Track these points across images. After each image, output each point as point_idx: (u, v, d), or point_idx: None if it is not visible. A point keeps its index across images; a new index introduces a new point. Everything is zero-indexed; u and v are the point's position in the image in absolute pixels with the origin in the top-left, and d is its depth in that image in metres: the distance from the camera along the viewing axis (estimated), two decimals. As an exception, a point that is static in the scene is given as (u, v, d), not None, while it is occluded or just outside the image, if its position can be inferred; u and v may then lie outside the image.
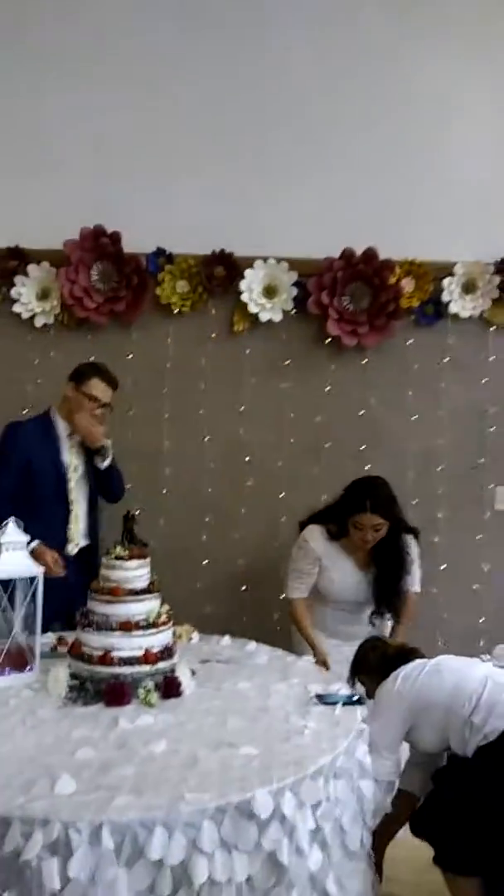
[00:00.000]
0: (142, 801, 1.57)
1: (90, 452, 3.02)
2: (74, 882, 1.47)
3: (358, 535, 2.76)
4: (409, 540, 2.87)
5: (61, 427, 2.99)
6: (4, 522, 2.31)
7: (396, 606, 2.82)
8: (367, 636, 2.65)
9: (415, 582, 2.88)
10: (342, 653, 2.67)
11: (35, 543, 2.59)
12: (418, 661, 2.25)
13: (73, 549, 2.94)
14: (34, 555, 2.57)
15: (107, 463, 3.02)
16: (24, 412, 3.52)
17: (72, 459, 2.98)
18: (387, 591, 2.81)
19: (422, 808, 2.18)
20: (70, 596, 2.58)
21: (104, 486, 3.08)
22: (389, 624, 2.90)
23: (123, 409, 3.43)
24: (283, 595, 3.10)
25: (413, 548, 2.88)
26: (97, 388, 2.94)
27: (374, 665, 2.35)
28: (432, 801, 2.14)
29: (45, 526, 2.76)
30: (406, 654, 2.32)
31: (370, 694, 2.30)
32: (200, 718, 2.01)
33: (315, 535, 2.87)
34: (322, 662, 2.67)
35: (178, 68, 3.56)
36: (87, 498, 3.03)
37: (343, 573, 2.83)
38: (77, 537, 2.96)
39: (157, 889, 1.51)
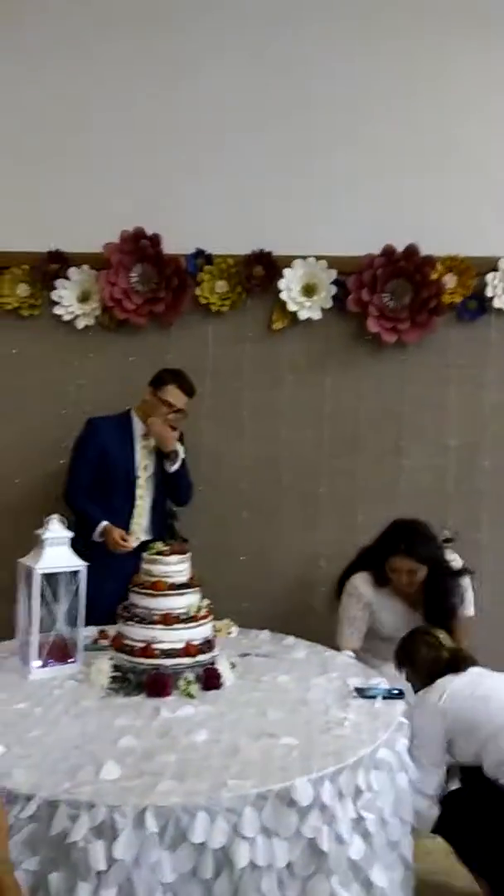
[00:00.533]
0: (184, 787, 1.60)
1: (162, 455, 3.16)
2: (119, 863, 1.51)
3: (395, 578, 2.73)
4: (459, 566, 2.84)
5: (137, 427, 3.17)
6: (47, 519, 2.36)
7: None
8: None
9: (468, 606, 2.83)
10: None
11: (102, 525, 2.93)
12: (468, 678, 2.18)
13: (134, 542, 3.04)
14: (104, 533, 2.91)
15: (175, 467, 3.16)
16: (63, 412, 3.61)
17: (143, 459, 3.14)
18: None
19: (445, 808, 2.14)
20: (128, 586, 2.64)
21: (172, 488, 3.21)
22: None
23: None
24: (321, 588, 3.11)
25: (466, 579, 2.84)
26: (172, 394, 3.11)
27: (423, 662, 2.29)
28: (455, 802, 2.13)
29: (110, 516, 3.01)
30: (458, 663, 2.25)
31: (413, 685, 2.29)
32: (241, 709, 2.03)
33: (363, 581, 2.83)
34: None
35: (217, 68, 3.59)
36: (154, 496, 3.16)
37: (394, 615, 2.78)
38: (139, 531, 3.10)
39: (200, 872, 1.54)
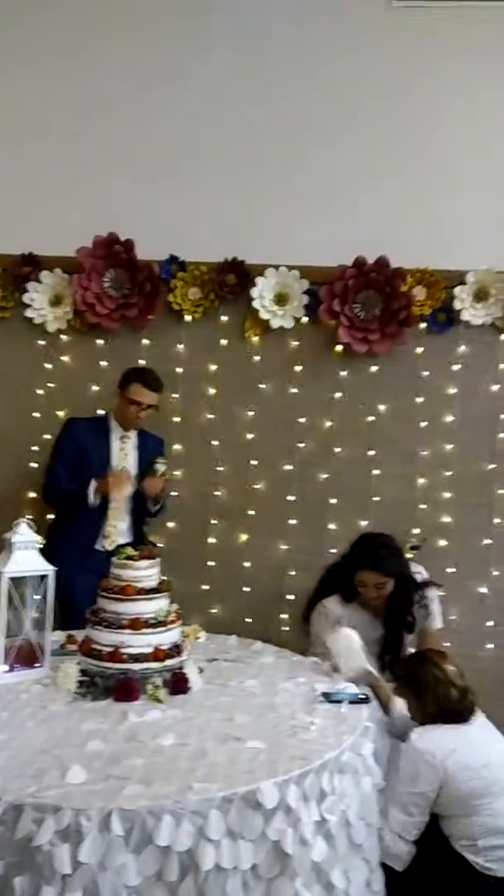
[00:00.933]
0: (150, 791, 1.60)
1: (141, 456, 3.18)
2: (85, 867, 1.51)
3: (363, 592, 2.76)
4: (432, 598, 2.87)
5: (114, 430, 3.19)
6: (16, 523, 2.35)
7: (396, 653, 2.77)
8: None
9: (435, 619, 2.87)
10: None
11: (93, 484, 2.99)
12: (476, 743, 2.12)
13: (109, 545, 3.06)
14: (100, 488, 2.98)
15: (156, 508, 3.21)
16: (34, 415, 3.60)
17: (119, 461, 3.15)
18: (389, 640, 2.78)
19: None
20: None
21: (144, 509, 3.22)
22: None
23: (156, 418, 3.48)
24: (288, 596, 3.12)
25: (431, 591, 2.88)
26: (137, 392, 3.13)
27: (432, 694, 2.20)
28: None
29: (84, 518, 3.03)
30: (464, 710, 2.18)
31: (413, 714, 2.25)
32: (208, 714, 2.04)
33: (332, 602, 2.86)
34: None
35: (191, 79, 3.64)
36: (131, 501, 3.15)
37: (360, 626, 2.75)
38: (114, 534, 3.10)
39: (165, 875, 1.54)
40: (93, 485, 3.00)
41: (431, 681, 2.20)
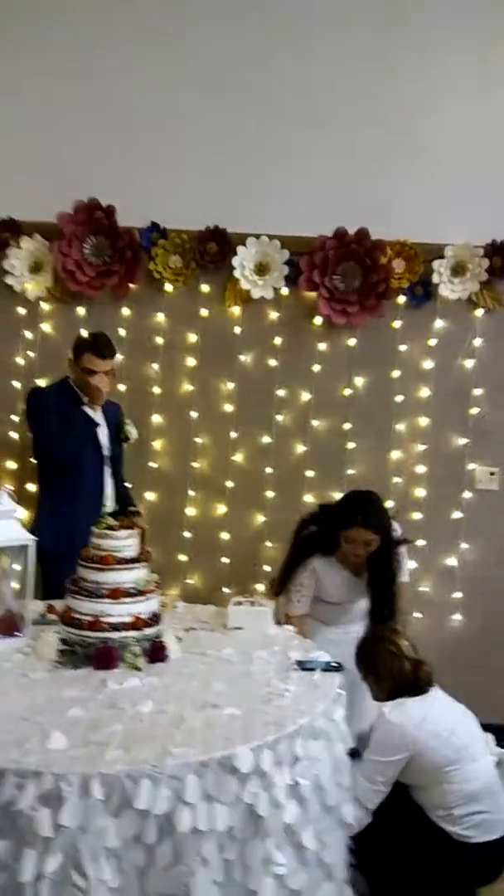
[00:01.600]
0: (130, 756, 1.65)
1: (108, 422, 3.14)
2: (66, 830, 1.56)
3: (349, 549, 2.77)
4: (399, 536, 2.92)
5: (79, 393, 3.09)
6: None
7: (392, 607, 2.83)
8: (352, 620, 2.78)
9: (404, 573, 2.92)
10: (338, 636, 2.79)
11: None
12: (437, 708, 2.20)
13: (111, 506, 3.05)
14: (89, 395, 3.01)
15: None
16: (14, 385, 3.58)
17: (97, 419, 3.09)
18: (380, 598, 2.82)
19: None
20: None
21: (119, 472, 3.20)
22: None
23: (113, 383, 3.48)
24: (266, 567, 3.17)
25: (403, 550, 2.93)
26: (90, 361, 3.02)
27: (387, 672, 2.29)
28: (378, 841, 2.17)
29: (83, 496, 2.99)
30: (420, 681, 2.25)
31: (375, 695, 2.33)
32: (185, 682, 2.09)
33: (312, 551, 2.90)
34: None
35: (176, 47, 3.56)
36: (111, 462, 3.13)
37: (339, 582, 2.86)
38: (108, 500, 3.09)
39: (144, 837, 1.60)
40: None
41: (387, 657, 2.29)
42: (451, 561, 3.63)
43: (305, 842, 1.82)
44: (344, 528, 2.75)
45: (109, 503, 3.10)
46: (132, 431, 3.14)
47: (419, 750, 2.13)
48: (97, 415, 3.12)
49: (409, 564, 3.06)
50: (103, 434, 3.13)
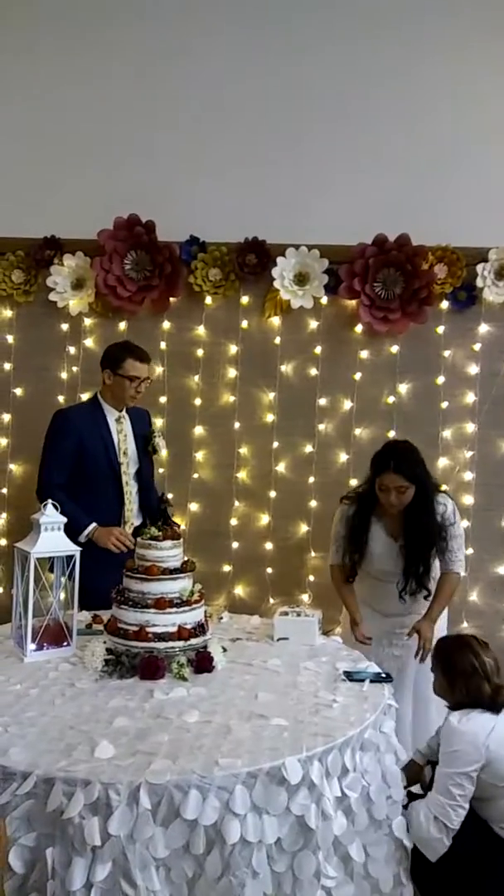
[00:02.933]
0: (177, 766, 1.65)
1: (135, 433, 3.10)
2: (114, 839, 1.55)
3: (384, 498, 2.70)
4: (450, 513, 2.77)
5: (108, 412, 3.05)
6: (44, 504, 2.39)
7: (423, 579, 2.74)
8: (402, 611, 2.73)
9: (455, 562, 2.76)
10: (374, 623, 2.76)
11: (91, 528, 2.81)
12: None
13: (128, 528, 3.00)
14: (96, 540, 2.79)
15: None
16: (59, 399, 3.64)
17: (121, 442, 3.05)
18: (414, 561, 2.73)
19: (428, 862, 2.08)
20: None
21: (146, 493, 3.12)
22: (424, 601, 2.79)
23: (156, 396, 3.51)
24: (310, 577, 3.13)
25: (457, 525, 2.78)
26: (133, 367, 2.99)
27: (464, 680, 2.15)
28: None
29: (102, 507, 2.92)
30: (495, 705, 2.12)
31: (436, 689, 2.25)
32: (232, 692, 2.07)
33: (346, 504, 2.87)
34: (355, 624, 2.71)
35: (213, 59, 3.61)
36: (138, 479, 3.08)
37: (375, 540, 2.80)
38: (132, 517, 3.04)
39: (192, 848, 1.59)
40: (91, 527, 2.83)
41: (468, 669, 2.15)
42: (502, 570, 3.54)
43: (353, 854, 1.78)
44: (378, 475, 2.70)
45: (133, 517, 3.04)
46: (159, 443, 3.11)
47: (490, 759, 2.05)
48: (123, 426, 3.08)
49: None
50: (129, 444, 3.08)
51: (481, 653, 2.20)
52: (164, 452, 3.13)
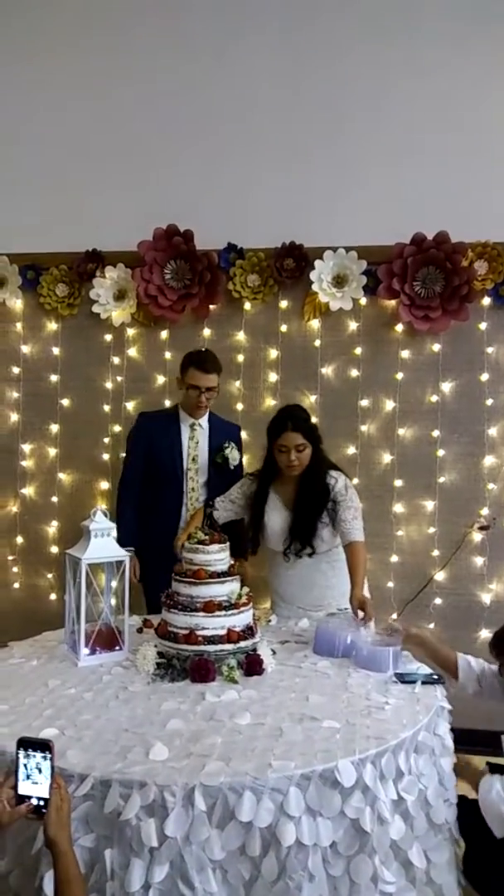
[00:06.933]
0: (231, 768, 1.65)
1: (212, 444, 3.16)
2: (171, 841, 1.57)
3: (283, 459, 2.75)
4: (341, 486, 2.79)
5: (183, 419, 3.16)
6: (93, 511, 2.43)
7: (308, 538, 2.75)
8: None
9: (354, 531, 2.72)
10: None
11: (129, 554, 2.87)
12: None
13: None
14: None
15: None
16: (105, 408, 3.70)
17: (191, 451, 3.13)
18: (300, 520, 2.76)
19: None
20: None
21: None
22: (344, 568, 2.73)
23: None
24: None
25: (350, 497, 2.78)
26: (194, 376, 3.07)
27: None
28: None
29: (161, 509, 3.07)
30: None
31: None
32: (283, 694, 2.08)
33: (251, 479, 2.92)
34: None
35: (242, 64, 3.64)
36: (207, 486, 3.12)
37: (272, 511, 2.82)
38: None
39: (248, 850, 1.59)
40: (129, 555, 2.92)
41: None
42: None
43: (413, 860, 1.76)
44: (277, 437, 2.75)
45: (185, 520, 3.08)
46: (230, 455, 3.14)
47: None
48: (196, 434, 3.15)
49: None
50: (202, 452, 3.15)
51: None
52: (233, 458, 3.15)
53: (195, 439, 3.15)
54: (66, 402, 3.77)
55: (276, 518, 2.83)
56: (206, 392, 3.09)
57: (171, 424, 3.16)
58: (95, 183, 3.70)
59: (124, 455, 3.27)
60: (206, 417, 3.19)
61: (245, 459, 3.31)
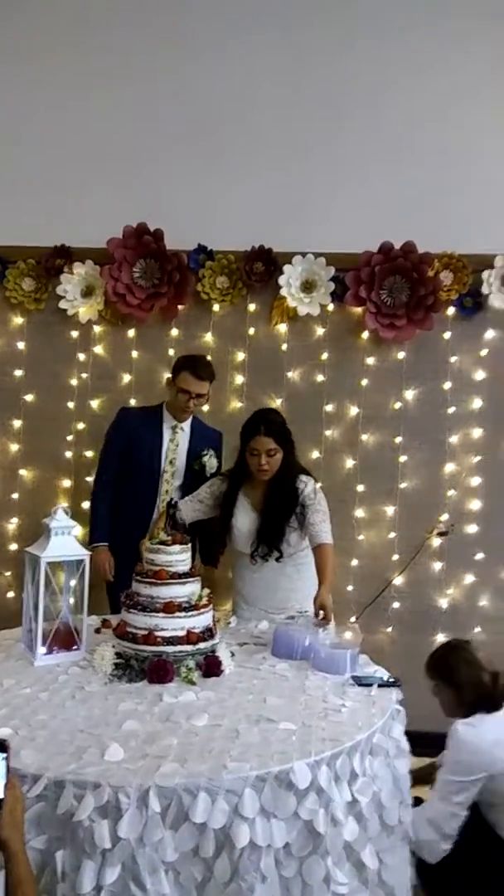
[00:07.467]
0: (186, 769, 1.65)
1: (192, 448, 3.15)
2: (124, 842, 1.56)
3: (253, 463, 2.75)
4: (310, 490, 2.80)
5: (167, 420, 3.15)
6: (54, 509, 2.41)
7: (275, 542, 2.76)
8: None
9: (322, 534, 2.74)
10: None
11: (99, 545, 3.02)
12: None
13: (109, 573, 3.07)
14: (96, 553, 2.94)
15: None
16: (69, 406, 3.67)
17: (169, 453, 3.12)
18: (268, 523, 2.76)
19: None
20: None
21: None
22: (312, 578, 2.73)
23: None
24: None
25: (318, 501, 2.79)
26: (186, 381, 3.06)
27: (463, 682, 2.19)
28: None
29: (133, 506, 3.06)
30: (498, 694, 2.16)
31: (448, 711, 2.24)
32: (240, 696, 2.08)
33: (221, 479, 2.91)
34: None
35: (216, 67, 3.64)
36: (181, 490, 3.11)
37: (240, 513, 2.82)
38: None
39: (201, 851, 1.59)
40: (99, 545, 3.06)
41: (463, 666, 2.20)
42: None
43: (366, 861, 1.78)
44: (249, 439, 2.76)
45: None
46: (208, 463, 3.13)
47: (497, 770, 2.05)
48: (177, 437, 3.14)
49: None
50: (181, 455, 3.14)
51: (468, 648, 2.26)
52: (210, 466, 3.13)
53: (175, 441, 3.14)
54: (29, 397, 3.72)
55: (244, 520, 2.82)
56: (196, 398, 3.09)
57: (153, 423, 3.14)
58: (65, 178, 3.66)
59: (101, 449, 3.22)
60: (188, 421, 3.18)
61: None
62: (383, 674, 2.29)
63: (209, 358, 3.33)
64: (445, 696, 2.25)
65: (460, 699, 2.19)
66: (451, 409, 3.57)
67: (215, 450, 3.18)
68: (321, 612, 2.49)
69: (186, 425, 3.17)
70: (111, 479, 3.12)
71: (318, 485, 2.89)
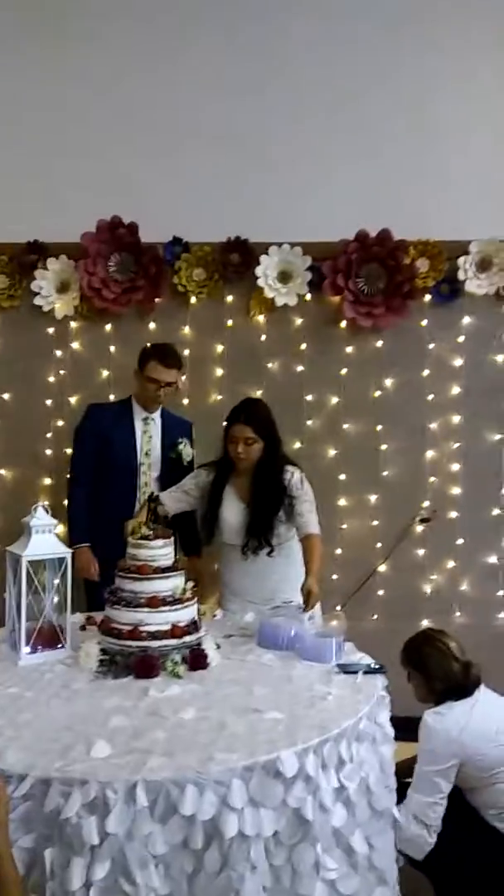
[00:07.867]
0: (174, 762, 1.65)
1: (164, 438, 3.12)
2: (112, 837, 1.56)
3: (232, 450, 2.74)
4: (296, 480, 2.78)
5: (137, 412, 3.11)
6: (35, 507, 2.39)
7: (266, 536, 2.74)
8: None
9: (310, 524, 2.74)
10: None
11: (81, 546, 2.95)
12: (482, 709, 2.13)
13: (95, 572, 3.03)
14: (79, 554, 2.86)
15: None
16: (47, 403, 3.64)
17: (144, 444, 3.09)
18: (258, 518, 2.74)
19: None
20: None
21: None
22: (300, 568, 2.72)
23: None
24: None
25: (305, 492, 2.78)
26: (155, 370, 3.02)
27: (437, 673, 2.21)
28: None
29: (112, 501, 3.01)
30: (468, 682, 2.18)
31: (420, 696, 2.26)
32: (227, 688, 2.08)
33: (207, 469, 2.89)
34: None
35: (191, 59, 3.61)
36: (160, 481, 3.08)
37: (227, 503, 2.80)
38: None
39: (190, 843, 1.59)
40: (81, 546, 2.97)
41: (436, 655, 2.22)
42: (492, 559, 3.57)
43: (355, 846, 1.79)
44: (229, 427, 2.75)
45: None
46: (184, 451, 3.10)
47: (468, 755, 2.08)
48: (150, 428, 3.12)
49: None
50: (155, 446, 3.12)
51: (442, 637, 2.27)
52: (186, 455, 3.11)
53: (148, 433, 3.11)
54: (6, 396, 3.69)
55: (232, 511, 2.81)
56: (165, 387, 3.05)
57: (123, 417, 3.11)
58: (37, 172, 3.62)
59: (73, 448, 3.18)
60: (158, 411, 3.15)
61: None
62: (368, 661, 2.30)
63: (186, 352, 3.31)
64: (417, 683, 2.28)
65: (430, 687, 2.22)
66: (431, 396, 3.58)
67: (188, 438, 3.16)
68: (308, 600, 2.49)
69: (157, 415, 3.15)
70: (86, 478, 3.07)
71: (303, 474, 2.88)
